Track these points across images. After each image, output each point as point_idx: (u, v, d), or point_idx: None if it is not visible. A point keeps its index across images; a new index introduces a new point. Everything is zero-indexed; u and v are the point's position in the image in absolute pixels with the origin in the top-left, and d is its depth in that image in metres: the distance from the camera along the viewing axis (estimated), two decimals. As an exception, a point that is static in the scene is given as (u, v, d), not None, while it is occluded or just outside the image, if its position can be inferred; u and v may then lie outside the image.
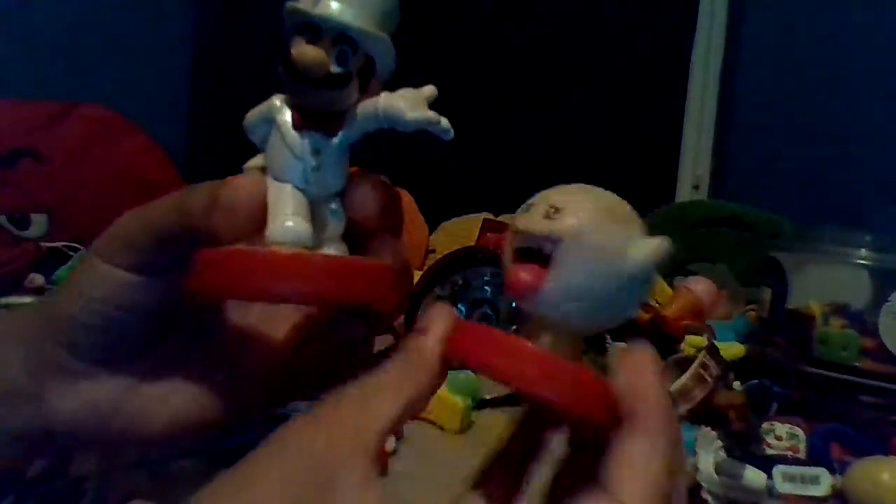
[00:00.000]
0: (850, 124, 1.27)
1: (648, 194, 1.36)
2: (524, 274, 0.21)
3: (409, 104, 0.24)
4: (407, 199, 1.22)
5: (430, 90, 0.25)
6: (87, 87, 1.23)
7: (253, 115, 0.27)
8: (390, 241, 0.27)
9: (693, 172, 1.41)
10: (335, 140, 0.25)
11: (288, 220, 0.25)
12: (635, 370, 0.22)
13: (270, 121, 0.26)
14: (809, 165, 1.29)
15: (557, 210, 0.21)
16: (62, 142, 1.07)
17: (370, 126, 0.25)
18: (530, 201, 0.22)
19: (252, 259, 0.24)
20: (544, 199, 0.21)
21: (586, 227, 0.21)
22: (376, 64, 0.26)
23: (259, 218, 0.25)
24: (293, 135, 0.25)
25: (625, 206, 0.22)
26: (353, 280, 0.24)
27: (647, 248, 0.22)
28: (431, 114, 0.24)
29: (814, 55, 1.30)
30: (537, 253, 0.21)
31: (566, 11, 1.41)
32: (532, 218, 0.21)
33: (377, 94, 0.26)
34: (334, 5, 0.24)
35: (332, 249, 0.26)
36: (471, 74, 1.43)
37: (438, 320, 0.23)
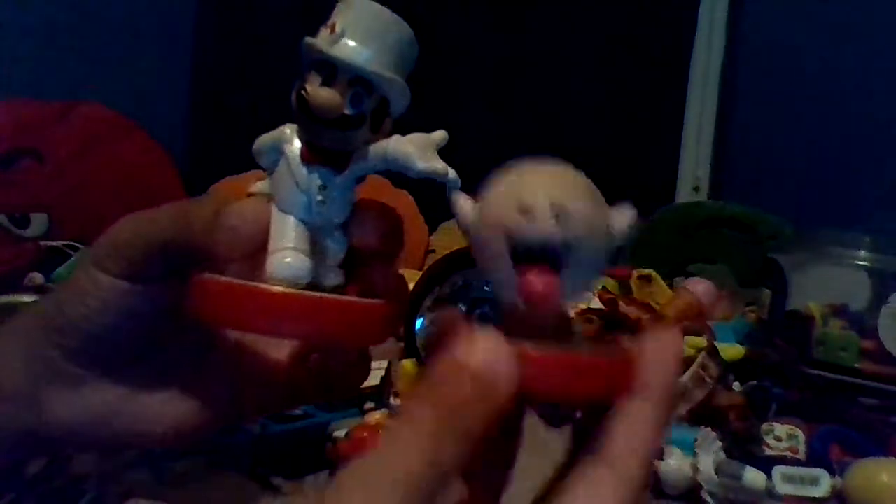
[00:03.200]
0: (851, 125, 1.27)
1: (648, 195, 1.36)
2: (537, 281, 0.21)
3: (419, 152, 0.25)
4: (407, 199, 1.22)
5: (440, 136, 0.25)
6: (87, 87, 1.23)
7: (263, 141, 0.27)
8: (385, 267, 0.27)
9: (693, 173, 1.41)
10: (342, 177, 0.25)
11: (287, 255, 0.25)
12: (662, 349, 0.22)
13: (279, 150, 0.26)
14: (809, 166, 1.30)
15: (565, 210, 0.21)
16: (62, 141, 1.08)
17: (378, 167, 0.26)
18: (521, 202, 0.21)
19: (246, 295, 0.24)
20: (542, 198, 0.21)
21: (591, 223, 0.21)
22: (390, 104, 0.26)
23: (260, 242, 0.25)
24: (301, 168, 0.25)
25: (589, 182, 0.23)
26: (344, 321, 0.25)
27: (625, 220, 0.23)
28: (440, 165, 0.25)
29: (814, 56, 1.30)
30: (539, 253, 0.21)
31: (566, 11, 1.41)
32: (540, 224, 0.21)
33: (388, 132, 0.26)
34: (352, 46, 0.24)
35: (331, 279, 0.26)
36: (470, 74, 1.43)
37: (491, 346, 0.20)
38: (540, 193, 0.21)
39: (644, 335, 0.23)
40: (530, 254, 0.21)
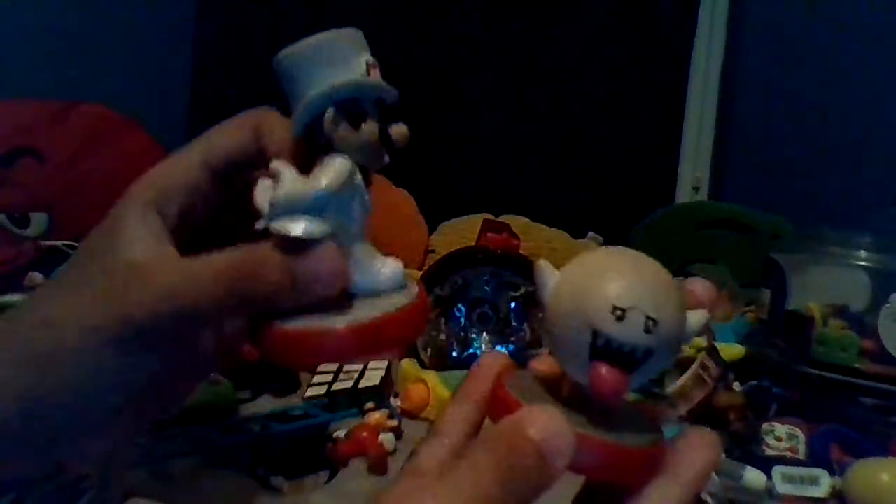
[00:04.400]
0: (850, 126, 1.27)
1: (648, 195, 1.36)
2: (612, 380, 0.22)
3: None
4: (407, 198, 1.22)
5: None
6: (87, 86, 1.23)
7: (339, 178, 0.26)
8: None
9: (693, 174, 1.41)
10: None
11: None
12: (702, 444, 0.24)
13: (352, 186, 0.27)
14: (809, 167, 1.30)
15: (656, 323, 0.21)
16: (62, 141, 1.07)
17: None
18: (616, 304, 0.21)
19: (320, 339, 0.25)
20: (636, 307, 0.21)
21: (675, 333, 0.22)
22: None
23: (340, 287, 0.26)
24: (367, 196, 0.27)
25: (677, 283, 0.23)
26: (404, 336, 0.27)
27: (698, 321, 0.23)
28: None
29: (814, 56, 1.30)
30: (617, 351, 0.22)
31: (566, 11, 1.41)
32: (630, 330, 0.21)
33: None
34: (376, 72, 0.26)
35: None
36: (471, 74, 1.43)
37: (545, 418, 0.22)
38: (637, 300, 0.21)
39: (688, 430, 0.24)
40: (609, 350, 0.22)
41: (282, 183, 0.26)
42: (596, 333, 0.21)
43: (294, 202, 0.25)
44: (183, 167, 0.29)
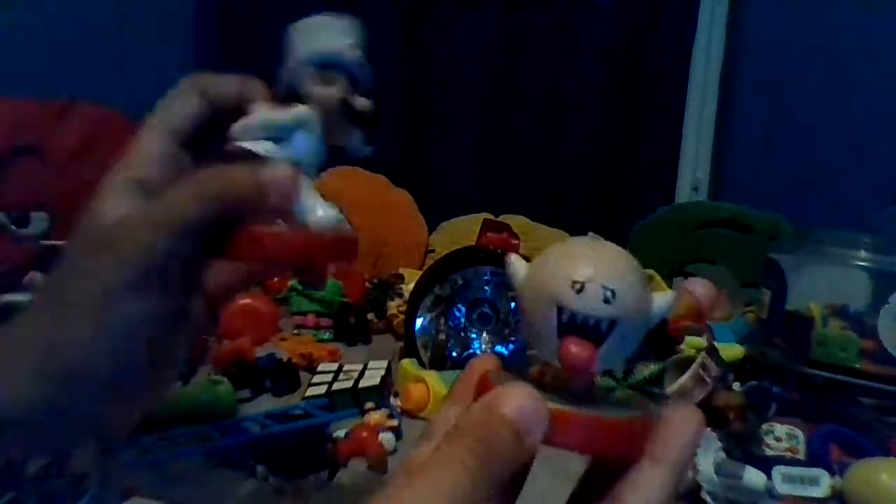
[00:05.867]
0: (850, 126, 1.27)
1: (648, 195, 1.36)
2: (579, 351, 0.23)
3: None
4: (406, 198, 1.22)
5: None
6: (88, 86, 1.23)
7: (300, 116, 0.33)
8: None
9: (693, 174, 1.41)
10: None
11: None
12: (685, 419, 0.24)
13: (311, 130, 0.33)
14: (809, 167, 1.30)
15: (614, 294, 0.22)
16: (63, 140, 1.08)
17: None
18: (574, 279, 0.23)
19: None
20: (593, 279, 0.23)
21: (635, 304, 0.23)
22: None
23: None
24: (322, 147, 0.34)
25: (638, 265, 0.24)
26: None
27: (665, 302, 0.24)
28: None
29: (814, 56, 1.30)
30: (583, 325, 0.23)
31: (567, 12, 1.41)
32: (590, 301, 0.22)
33: None
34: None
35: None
36: (471, 74, 1.43)
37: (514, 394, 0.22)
38: (593, 273, 0.23)
39: (668, 406, 0.24)
40: (575, 325, 0.23)
41: (255, 113, 0.32)
42: (560, 309, 0.23)
43: (262, 126, 0.32)
44: (148, 142, 0.34)
